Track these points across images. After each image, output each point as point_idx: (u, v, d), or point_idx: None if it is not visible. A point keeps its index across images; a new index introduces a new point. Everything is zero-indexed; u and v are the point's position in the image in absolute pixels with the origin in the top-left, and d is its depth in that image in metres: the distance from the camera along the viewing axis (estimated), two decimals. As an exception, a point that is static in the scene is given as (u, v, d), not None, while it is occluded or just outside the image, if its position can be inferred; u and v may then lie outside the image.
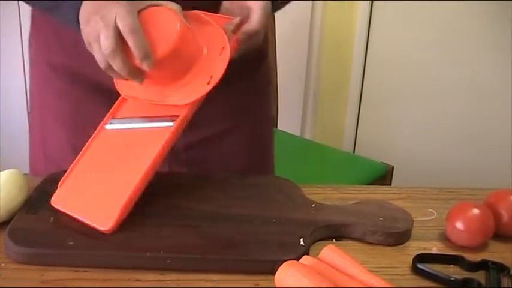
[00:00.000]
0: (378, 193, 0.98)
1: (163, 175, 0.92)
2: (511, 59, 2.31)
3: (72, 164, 0.87)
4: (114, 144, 0.87)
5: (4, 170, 0.87)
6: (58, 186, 0.85)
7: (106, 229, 0.78)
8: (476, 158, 2.46)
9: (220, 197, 0.90)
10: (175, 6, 0.81)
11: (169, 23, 0.79)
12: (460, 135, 2.45)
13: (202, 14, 0.85)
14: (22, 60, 2.29)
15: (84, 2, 0.82)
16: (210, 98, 0.86)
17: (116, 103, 0.89)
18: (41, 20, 1.02)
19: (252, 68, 1.07)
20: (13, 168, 0.87)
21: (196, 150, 1.05)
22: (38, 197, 0.87)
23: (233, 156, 1.08)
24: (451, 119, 2.44)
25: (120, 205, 0.79)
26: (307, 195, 0.91)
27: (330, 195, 0.93)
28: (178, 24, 0.79)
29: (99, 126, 0.89)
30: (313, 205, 0.88)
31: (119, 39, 0.77)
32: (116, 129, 0.87)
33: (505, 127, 2.37)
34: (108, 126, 0.88)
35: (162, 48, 0.78)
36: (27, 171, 1.06)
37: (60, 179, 0.85)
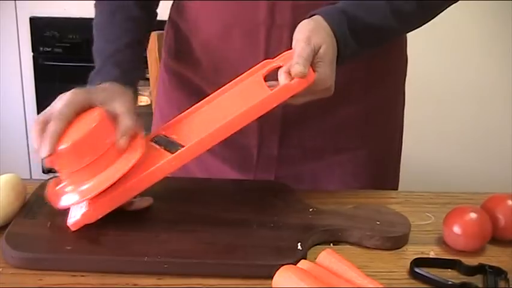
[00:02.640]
0: (375, 197, 0.98)
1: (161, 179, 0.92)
2: (510, 63, 2.31)
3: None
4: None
5: (2, 174, 0.87)
6: None
7: (70, 226, 0.80)
8: (473, 162, 2.46)
9: (217, 201, 0.90)
10: (121, 109, 0.83)
11: (86, 124, 0.79)
12: (457, 139, 2.46)
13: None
14: (19, 64, 2.29)
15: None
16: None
17: (171, 122, 0.89)
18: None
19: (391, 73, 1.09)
20: (11, 172, 0.87)
21: (315, 163, 1.06)
22: (36, 201, 0.87)
23: (353, 175, 1.07)
24: (448, 123, 2.45)
25: (88, 209, 0.80)
26: (304, 200, 0.91)
27: (327, 200, 0.93)
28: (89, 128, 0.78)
29: (148, 137, 0.89)
30: (310, 209, 0.88)
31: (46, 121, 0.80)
32: (153, 144, 0.86)
33: (503, 131, 2.37)
34: (152, 140, 0.87)
35: (62, 143, 0.78)
36: (25, 175, 1.07)
37: (58, 183, 0.85)
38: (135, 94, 0.92)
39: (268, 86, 0.84)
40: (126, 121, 0.81)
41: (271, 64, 0.88)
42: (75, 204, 0.80)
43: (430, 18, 0.96)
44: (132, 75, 0.94)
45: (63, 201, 0.80)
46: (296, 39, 0.85)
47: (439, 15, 0.99)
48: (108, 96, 0.84)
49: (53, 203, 0.81)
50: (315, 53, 0.83)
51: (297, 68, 0.80)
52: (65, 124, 0.79)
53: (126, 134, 0.80)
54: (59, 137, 0.78)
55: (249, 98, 0.82)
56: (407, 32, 1.03)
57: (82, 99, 0.82)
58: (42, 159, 0.79)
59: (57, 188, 0.83)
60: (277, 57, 0.89)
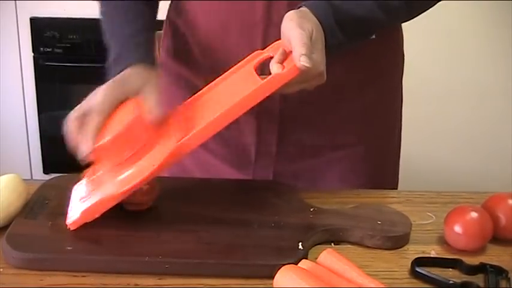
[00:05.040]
0: (375, 197, 0.98)
1: (162, 179, 0.92)
2: (510, 60, 2.31)
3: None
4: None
5: (3, 175, 0.87)
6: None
7: (69, 225, 0.80)
8: (474, 162, 2.46)
9: (218, 201, 0.90)
10: (151, 93, 0.84)
11: (124, 118, 0.81)
12: (457, 138, 2.46)
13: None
14: (20, 64, 2.29)
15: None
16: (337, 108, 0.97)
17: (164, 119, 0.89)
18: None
19: (388, 72, 1.09)
20: (12, 173, 0.87)
21: (311, 161, 1.06)
22: (37, 202, 0.87)
23: (352, 172, 1.07)
24: (449, 122, 2.44)
25: (85, 207, 0.80)
26: (305, 199, 0.91)
27: (328, 199, 0.93)
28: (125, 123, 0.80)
29: None
30: (311, 209, 0.88)
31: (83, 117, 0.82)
32: None
33: (504, 131, 2.37)
34: None
35: (102, 139, 0.80)
36: (26, 176, 1.07)
37: (58, 184, 0.86)
38: (158, 73, 0.93)
39: (262, 78, 0.84)
40: (150, 100, 0.83)
41: (262, 55, 0.88)
42: (113, 195, 0.80)
43: (418, 11, 0.96)
44: (152, 55, 0.94)
45: (102, 191, 0.81)
46: (286, 27, 0.85)
47: (437, 13, 0.98)
48: (138, 82, 0.85)
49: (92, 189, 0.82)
50: (310, 38, 0.83)
51: (304, 59, 0.80)
52: (104, 119, 0.80)
53: (153, 110, 0.82)
54: (99, 132, 0.79)
55: (241, 89, 0.83)
56: (396, 24, 1.03)
57: (118, 92, 0.83)
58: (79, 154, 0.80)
59: (94, 176, 0.84)
60: (267, 47, 0.89)
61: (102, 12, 0.98)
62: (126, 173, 0.80)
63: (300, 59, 0.80)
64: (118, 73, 0.88)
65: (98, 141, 0.79)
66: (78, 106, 0.83)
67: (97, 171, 0.84)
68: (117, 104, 0.83)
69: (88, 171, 0.86)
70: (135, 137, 0.81)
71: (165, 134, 0.82)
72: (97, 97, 0.82)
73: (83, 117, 0.81)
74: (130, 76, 0.87)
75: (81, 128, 0.81)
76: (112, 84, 0.84)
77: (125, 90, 0.84)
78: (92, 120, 0.80)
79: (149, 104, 0.83)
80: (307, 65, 0.80)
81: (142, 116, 0.81)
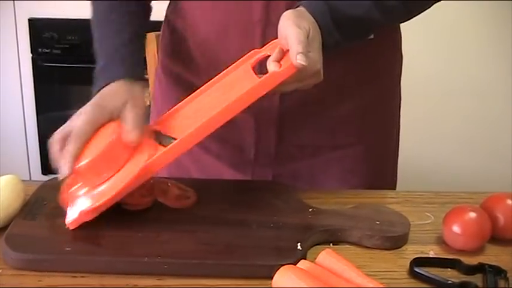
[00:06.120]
0: (374, 197, 0.98)
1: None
2: (509, 59, 2.31)
3: None
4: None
5: (1, 176, 0.87)
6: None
7: (68, 224, 0.81)
8: (472, 162, 2.46)
9: (217, 202, 0.90)
10: (131, 112, 0.84)
11: (103, 140, 0.81)
12: (456, 138, 2.46)
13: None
14: (18, 65, 2.29)
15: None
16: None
17: (164, 117, 0.89)
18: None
19: (385, 72, 1.10)
20: (10, 174, 0.87)
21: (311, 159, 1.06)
22: (36, 203, 0.87)
23: (350, 171, 1.08)
24: (448, 122, 2.45)
25: (84, 208, 0.80)
26: (304, 200, 0.91)
27: (326, 200, 0.93)
28: (105, 144, 0.81)
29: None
30: (310, 209, 0.88)
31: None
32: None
33: (503, 131, 2.37)
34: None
35: (80, 161, 0.80)
36: (25, 177, 1.07)
37: (57, 185, 0.85)
38: (144, 85, 0.93)
39: (259, 77, 0.84)
40: (129, 121, 0.83)
41: (259, 54, 0.88)
42: (90, 209, 0.80)
43: (415, 12, 0.96)
44: (138, 68, 0.94)
45: (77, 206, 0.81)
46: (283, 25, 0.85)
47: (436, 13, 0.98)
48: (120, 102, 0.85)
49: (66, 206, 0.82)
50: (307, 37, 0.84)
51: (301, 57, 0.80)
52: (83, 144, 0.81)
53: (131, 132, 0.82)
54: (78, 156, 0.80)
55: (239, 88, 0.83)
56: (394, 24, 1.04)
57: (98, 116, 0.84)
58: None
59: (71, 190, 0.84)
60: (265, 46, 0.89)
61: (92, 20, 0.99)
62: (100, 188, 0.81)
63: (297, 57, 0.80)
64: (102, 86, 0.88)
65: (77, 163, 0.80)
66: (61, 128, 0.84)
67: (75, 184, 0.84)
68: (98, 126, 0.83)
69: (66, 183, 0.86)
70: (114, 158, 0.81)
71: (138, 150, 0.82)
72: (78, 120, 0.83)
73: (65, 140, 0.82)
74: (111, 95, 0.87)
75: (62, 150, 0.82)
76: (92, 108, 0.85)
77: (105, 113, 0.84)
78: (71, 144, 0.81)
79: (128, 125, 0.83)
80: (304, 63, 0.80)
81: (120, 138, 0.82)
